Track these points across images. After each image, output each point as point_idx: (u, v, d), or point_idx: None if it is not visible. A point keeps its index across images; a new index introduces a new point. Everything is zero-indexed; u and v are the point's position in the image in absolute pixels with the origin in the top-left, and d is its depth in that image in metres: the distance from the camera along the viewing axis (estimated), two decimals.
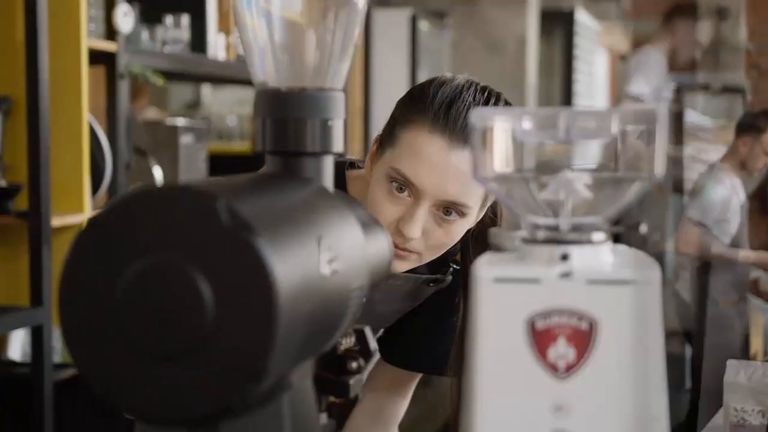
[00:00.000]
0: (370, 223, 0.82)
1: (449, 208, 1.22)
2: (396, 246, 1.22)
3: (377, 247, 0.82)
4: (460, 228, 1.25)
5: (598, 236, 0.67)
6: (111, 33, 2.59)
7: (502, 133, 0.67)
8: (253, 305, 0.58)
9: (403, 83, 4.52)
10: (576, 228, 0.67)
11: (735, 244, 4.28)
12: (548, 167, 0.68)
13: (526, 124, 0.67)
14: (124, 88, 2.59)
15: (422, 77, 5.75)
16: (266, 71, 0.78)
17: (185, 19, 2.98)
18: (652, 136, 0.65)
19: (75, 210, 2.41)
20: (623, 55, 9.29)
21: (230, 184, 0.65)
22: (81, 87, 2.40)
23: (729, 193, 4.25)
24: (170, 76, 3.20)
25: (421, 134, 1.20)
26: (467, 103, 1.21)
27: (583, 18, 7.34)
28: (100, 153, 2.48)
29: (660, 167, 0.65)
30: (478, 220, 1.30)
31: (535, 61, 5.82)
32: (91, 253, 0.60)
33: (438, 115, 1.20)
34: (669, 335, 4.20)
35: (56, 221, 2.34)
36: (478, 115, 0.67)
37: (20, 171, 2.36)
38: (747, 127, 4.34)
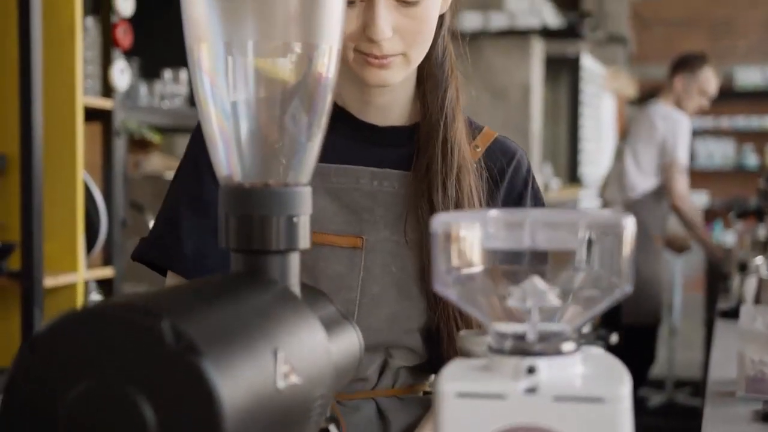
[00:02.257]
0: (337, 321, 0.79)
1: None
2: (375, 56, 1.16)
3: (344, 345, 0.79)
4: (429, 10, 1.17)
5: (568, 346, 0.65)
6: (108, 89, 2.59)
7: (466, 237, 0.65)
8: (199, 431, 0.55)
9: None
10: (544, 337, 0.65)
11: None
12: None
13: (491, 229, 0.64)
14: (120, 145, 2.58)
15: None
16: (231, 165, 0.76)
17: (184, 74, 2.97)
18: (619, 245, 0.63)
19: (69, 269, 2.39)
20: (631, 100, 9.30)
21: (180, 297, 0.63)
22: (76, 145, 2.39)
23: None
24: (169, 129, 3.19)
25: None
26: None
27: (588, 63, 7.34)
28: (95, 211, 2.46)
29: (628, 279, 0.63)
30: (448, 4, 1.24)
31: (540, 109, 5.81)
32: (32, 374, 0.58)
33: None
34: None
35: (50, 281, 2.32)
36: (440, 220, 0.65)
37: (14, 230, 2.35)
38: (681, 65, 4.37)
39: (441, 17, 1.24)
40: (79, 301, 2.43)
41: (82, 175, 2.41)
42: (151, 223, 2.79)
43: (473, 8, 5.32)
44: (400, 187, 1.24)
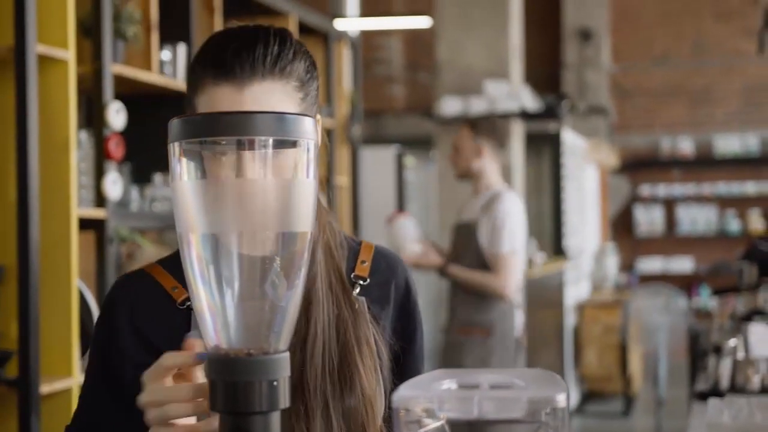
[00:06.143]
0: None
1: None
2: None
3: None
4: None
5: None
6: (101, 199, 2.70)
7: (423, 410, 0.75)
8: None
9: None
10: None
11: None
12: None
13: (446, 405, 0.74)
14: (112, 252, 2.69)
15: (410, 209, 5.88)
16: (218, 336, 0.87)
17: None
18: (554, 414, 0.73)
19: (64, 374, 2.48)
20: (614, 169, 9.48)
21: None
22: (71, 254, 2.49)
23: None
24: (161, 230, 3.30)
25: (207, 89, 1.16)
26: (242, 39, 1.18)
27: (569, 138, 7.51)
28: (89, 317, 2.56)
29: None
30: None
31: (523, 187, 5.94)
32: None
33: (218, 62, 1.17)
34: None
35: (45, 387, 2.40)
36: (400, 397, 0.75)
37: (11, 338, 2.44)
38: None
39: None
40: (74, 406, 2.51)
41: (76, 283, 2.51)
42: None
43: (454, 94, 5.47)
44: None
